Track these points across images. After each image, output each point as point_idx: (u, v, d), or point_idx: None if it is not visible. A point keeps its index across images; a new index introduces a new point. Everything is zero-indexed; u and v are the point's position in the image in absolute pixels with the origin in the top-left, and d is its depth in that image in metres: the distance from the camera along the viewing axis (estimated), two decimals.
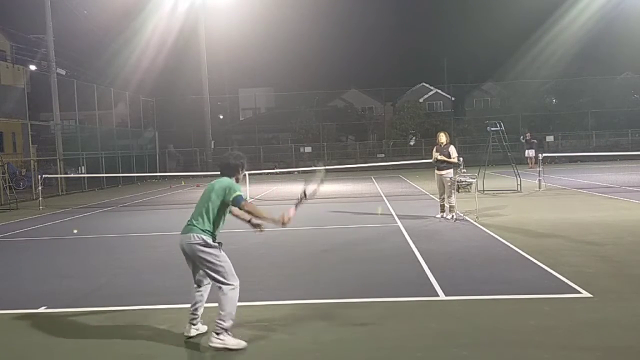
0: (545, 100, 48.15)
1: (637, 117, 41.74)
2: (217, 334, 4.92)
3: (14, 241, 12.01)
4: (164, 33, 35.62)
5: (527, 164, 28.68)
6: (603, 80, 44.69)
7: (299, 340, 5.13)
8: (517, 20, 67.81)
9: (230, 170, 5.24)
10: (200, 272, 5.18)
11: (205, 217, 5.06)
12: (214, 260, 4.99)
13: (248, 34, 60.88)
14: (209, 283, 5.27)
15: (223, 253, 5.09)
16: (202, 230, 5.02)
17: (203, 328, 5.34)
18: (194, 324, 5.29)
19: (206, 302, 5.29)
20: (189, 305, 5.31)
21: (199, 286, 5.27)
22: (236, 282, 5.05)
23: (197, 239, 5.00)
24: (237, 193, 5.07)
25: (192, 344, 5.14)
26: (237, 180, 5.26)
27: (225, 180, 5.15)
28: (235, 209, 5.20)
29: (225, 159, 5.30)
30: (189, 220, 5.14)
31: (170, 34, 36.08)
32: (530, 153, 29.13)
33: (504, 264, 7.80)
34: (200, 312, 5.30)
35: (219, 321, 4.93)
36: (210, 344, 4.92)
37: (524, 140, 30.37)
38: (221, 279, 4.98)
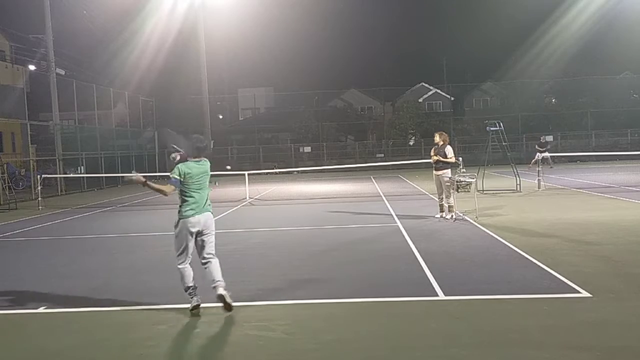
0: (545, 100, 48.19)
1: (636, 117, 41.75)
2: (226, 289, 5.87)
3: (13, 241, 12.01)
4: (163, 33, 35.56)
5: (547, 165, 26.23)
6: (602, 80, 44.73)
7: (299, 340, 5.14)
8: (517, 20, 67.98)
9: (205, 150, 6.19)
10: (205, 246, 6.06)
11: (209, 197, 6.17)
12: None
13: (248, 34, 60.67)
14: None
15: None
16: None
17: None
18: (197, 295, 6.00)
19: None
20: (187, 305, 5.35)
21: (206, 260, 6.07)
22: None
23: (212, 215, 6.22)
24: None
25: (192, 343, 5.14)
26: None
27: (207, 164, 6.12)
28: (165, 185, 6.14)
29: (199, 142, 6.14)
30: (202, 203, 6.05)
31: (170, 33, 36.02)
32: (544, 155, 26.78)
33: (504, 264, 7.81)
34: None
35: (222, 281, 5.90)
36: (227, 298, 5.79)
37: (542, 141, 28.37)
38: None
